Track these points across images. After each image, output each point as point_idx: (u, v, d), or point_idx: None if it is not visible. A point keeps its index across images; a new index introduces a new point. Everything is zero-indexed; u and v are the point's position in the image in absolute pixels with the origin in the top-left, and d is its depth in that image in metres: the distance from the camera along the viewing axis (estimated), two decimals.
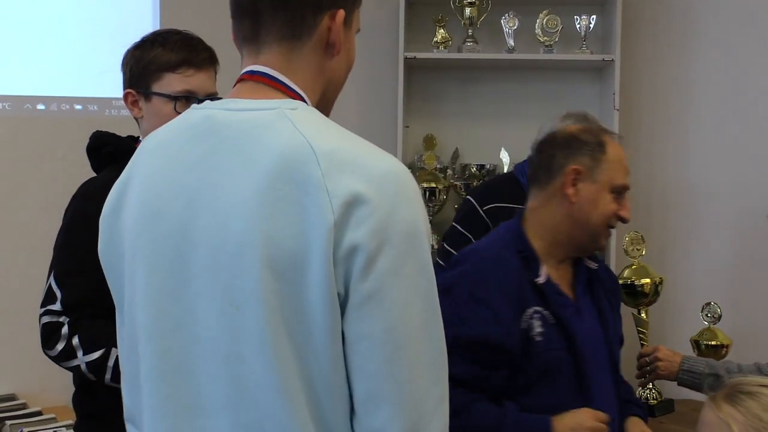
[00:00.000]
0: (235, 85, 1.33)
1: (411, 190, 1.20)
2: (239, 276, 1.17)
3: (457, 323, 1.82)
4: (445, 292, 1.81)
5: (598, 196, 2.01)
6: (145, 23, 3.65)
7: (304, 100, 1.29)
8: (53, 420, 3.23)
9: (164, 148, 1.30)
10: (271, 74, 1.29)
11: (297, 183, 1.15)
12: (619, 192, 2.04)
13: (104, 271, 1.37)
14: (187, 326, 1.23)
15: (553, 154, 2.05)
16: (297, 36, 1.28)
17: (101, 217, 1.36)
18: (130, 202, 1.30)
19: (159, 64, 2.03)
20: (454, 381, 1.81)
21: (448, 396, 1.21)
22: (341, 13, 1.29)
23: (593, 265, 2.09)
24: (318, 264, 1.13)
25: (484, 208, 2.80)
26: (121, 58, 2.11)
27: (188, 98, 2.01)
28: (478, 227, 2.73)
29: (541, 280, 1.97)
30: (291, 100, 1.27)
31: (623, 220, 2.05)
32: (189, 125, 1.29)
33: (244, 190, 1.18)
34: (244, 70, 1.32)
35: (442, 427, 1.19)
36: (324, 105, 1.35)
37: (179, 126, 1.31)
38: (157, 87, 2.04)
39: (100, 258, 1.37)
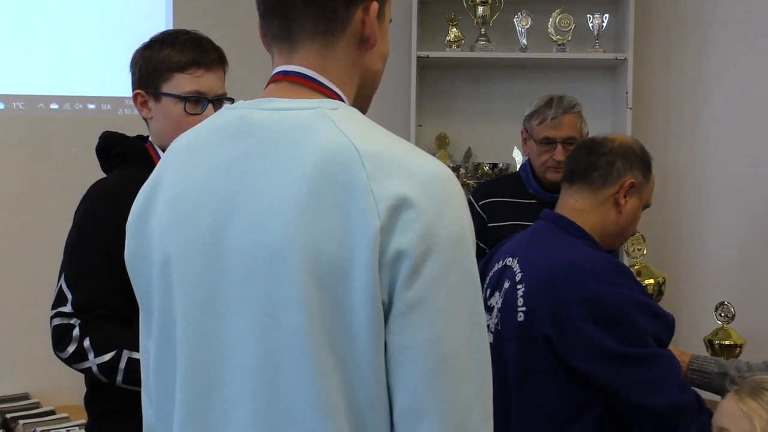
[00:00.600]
0: (267, 86, 1.28)
1: (457, 194, 1.16)
2: (277, 284, 1.12)
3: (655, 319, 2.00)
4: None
5: (638, 212, 2.14)
6: (158, 23, 3.67)
7: (342, 99, 1.24)
8: (66, 419, 3.25)
9: (195, 150, 1.24)
10: (307, 74, 1.24)
11: (341, 186, 1.11)
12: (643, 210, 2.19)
13: (131, 278, 1.32)
14: (217, 336, 1.18)
15: (613, 161, 2.10)
16: (330, 31, 1.23)
17: (128, 222, 1.31)
18: (159, 206, 1.25)
19: (169, 64, 2.03)
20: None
21: (491, 412, 1.16)
22: (374, 5, 1.24)
23: None
24: (363, 271, 1.09)
25: (480, 204, 2.89)
26: (131, 58, 2.11)
27: (198, 99, 2.01)
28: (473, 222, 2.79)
29: None
30: (330, 99, 1.22)
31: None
32: (221, 126, 1.24)
33: (284, 193, 1.13)
34: (276, 70, 1.27)
35: None
36: (361, 103, 1.31)
37: (211, 126, 1.26)
38: (167, 87, 2.03)
39: (127, 264, 1.32)
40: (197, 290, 1.19)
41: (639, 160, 2.12)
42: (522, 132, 2.97)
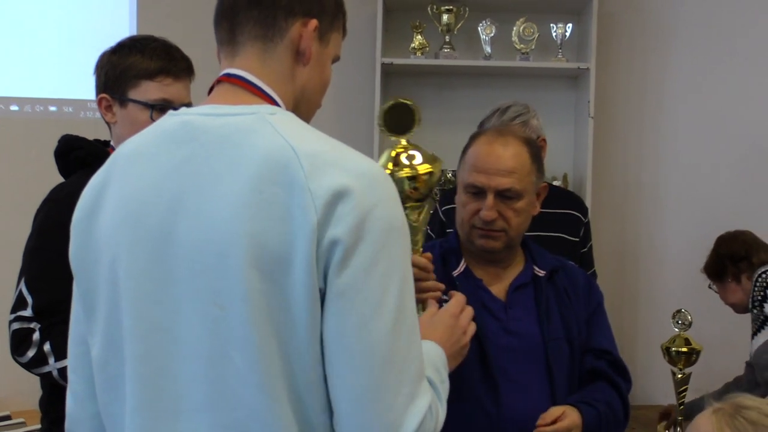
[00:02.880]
0: (212, 87, 1.36)
1: (390, 189, 1.24)
2: (224, 277, 1.19)
3: None
4: None
5: (460, 198, 2.09)
6: (122, 26, 3.66)
7: (278, 105, 1.32)
8: (22, 424, 3.22)
9: (142, 154, 1.31)
10: (248, 78, 1.32)
11: (281, 185, 1.18)
12: (474, 192, 2.05)
13: (74, 275, 1.37)
14: (168, 328, 1.24)
15: None
16: (269, 37, 1.33)
17: (73, 223, 1.36)
18: (107, 207, 1.31)
19: (137, 70, 2.02)
20: None
21: (422, 394, 1.21)
22: (313, 22, 1.34)
23: (540, 272, 2.11)
24: (301, 262, 1.16)
25: (443, 209, 2.89)
26: (96, 61, 2.09)
27: (164, 107, 1.99)
28: (434, 225, 2.83)
29: (456, 272, 2.05)
30: (269, 105, 1.30)
31: (484, 221, 2.02)
32: (166, 131, 1.30)
33: (229, 193, 1.20)
34: (222, 72, 1.35)
35: (416, 426, 1.19)
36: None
37: (156, 132, 1.32)
38: (134, 94, 2.02)
39: (71, 263, 1.36)
40: (146, 285, 1.25)
41: None
42: None
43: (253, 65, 1.33)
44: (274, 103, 1.32)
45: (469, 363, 1.80)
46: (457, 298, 1.69)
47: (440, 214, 2.89)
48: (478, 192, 2.04)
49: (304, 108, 1.39)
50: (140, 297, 1.26)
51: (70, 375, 1.43)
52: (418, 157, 1.81)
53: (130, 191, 1.29)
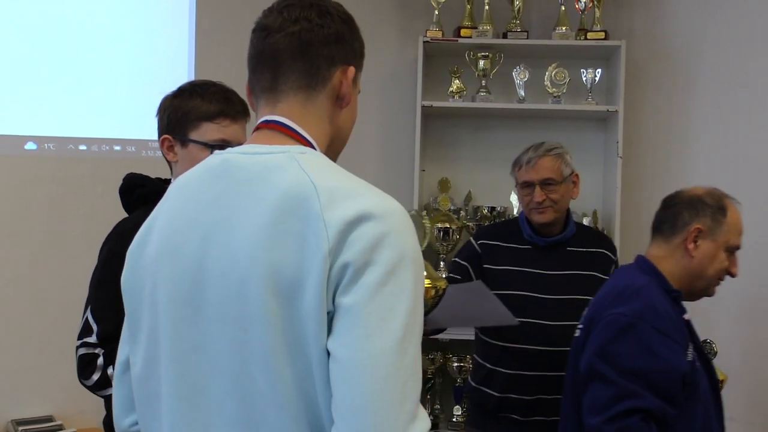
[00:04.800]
0: (253, 133, 1.41)
1: (406, 222, 1.26)
2: (246, 302, 1.24)
3: (647, 355, 2.09)
4: (627, 327, 2.10)
5: (716, 254, 2.29)
6: (181, 72, 3.84)
7: (313, 147, 1.37)
8: None
9: (185, 190, 1.39)
10: (287, 123, 1.37)
11: (299, 217, 1.23)
12: (732, 251, 2.32)
13: (124, 299, 1.44)
14: (203, 349, 1.30)
15: (679, 212, 2.32)
16: (312, 86, 1.38)
17: (128, 251, 1.45)
18: (153, 238, 1.39)
19: (198, 113, 2.09)
20: (648, 415, 2.06)
21: (421, 416, 1.20)
22: (352, 69, 1.41)
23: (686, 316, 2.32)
24: (312, 286, 1.20)
25: (478, 242, 2.97)
26: (158, 105, 2.16)
27: (222, 146, 1.97)
28: (471, 257, 2.94)
29: (688, 317, 2.28)
30: (302, 145, 1.35)
31: (732, 275, 2.33)
32: (208, 168, 1.38)
33: (252, 224, 1.26)
34: (262, 119, 1.40)
35: None
36: (331, 156, 1.42)
37: (200, 169, 1.39)
38: (195, 135, 2.09)
39: (122, 287, 1.45)
40: (183, 310, 1.32)
41: (706, 206, 2.30)
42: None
43: (295, 112, 1.38)
44: (309, 144, 1.36)
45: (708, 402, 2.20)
46: None
47: (475, 245, 2.96)
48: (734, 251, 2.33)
49: (338, 144, 1.45)
50: (177, 320, 1.32)
51: (115, 390, 1.51)
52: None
53: (172, 224, 1.37)
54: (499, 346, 2.86)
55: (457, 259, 3.02)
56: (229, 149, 1.39)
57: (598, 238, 3.08)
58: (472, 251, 2.97)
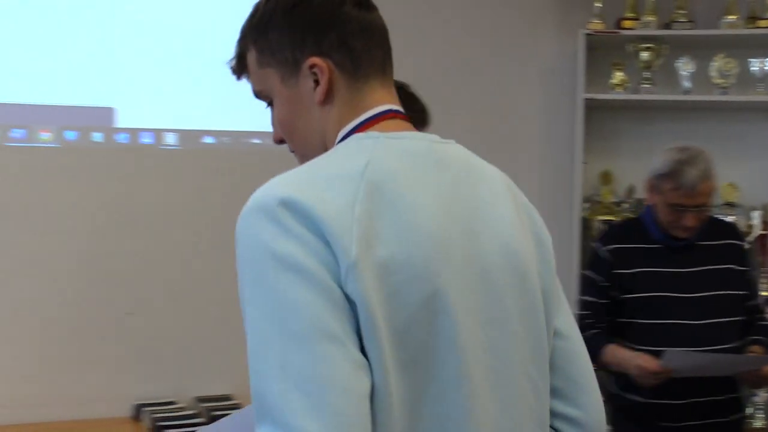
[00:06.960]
0: (380, 120, 1.23)
1: None
2: (528, 296, 1.23)
3: None
4: None
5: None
6: None
7: None
8: None
9: (409, 178, 1.16)
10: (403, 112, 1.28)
11: (524, 206, 1.28)
12: None
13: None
14: (504, 347, 1.21)
15: None
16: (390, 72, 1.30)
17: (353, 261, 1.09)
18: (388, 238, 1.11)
19: None
20: None
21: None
22: None
23: None
24: (538, 273, 1.26)
25: (606, 249, 2.84)
26: None
27: None
28: (601, 267, 2.84)
29: None
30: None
31: None
32: (420, 154, 1.20)
33: (504, 215, 1.22)
34: (389, 108, 1.25)
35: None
36: None
37: (408, 155, 1.19)
38: None
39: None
40: (485, 313, 1.18)
41: None
42: (648, 180, 2.85)
43: (396, 100, 1.28)
44: None
45: None
46: None
47: (604, 254, 2.84)
48: None
49: None
50: (485, 327, 1.18)
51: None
52: None
53: (420, 218, 1.13)
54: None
55: (585, 272, 2.95)
56: (408, 134, 1.22)
57: (724, 229, 2.97)
58: (600, 261, 2.86)
